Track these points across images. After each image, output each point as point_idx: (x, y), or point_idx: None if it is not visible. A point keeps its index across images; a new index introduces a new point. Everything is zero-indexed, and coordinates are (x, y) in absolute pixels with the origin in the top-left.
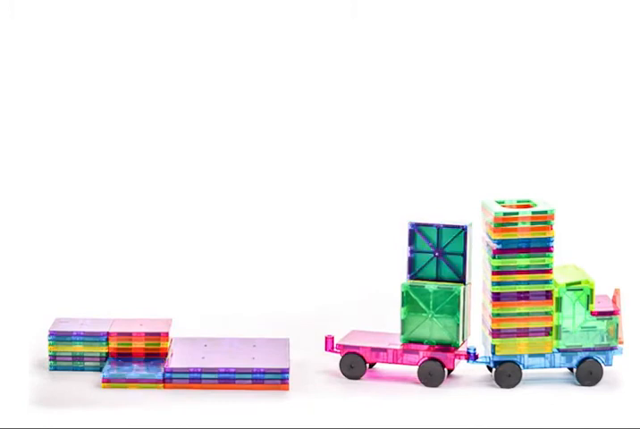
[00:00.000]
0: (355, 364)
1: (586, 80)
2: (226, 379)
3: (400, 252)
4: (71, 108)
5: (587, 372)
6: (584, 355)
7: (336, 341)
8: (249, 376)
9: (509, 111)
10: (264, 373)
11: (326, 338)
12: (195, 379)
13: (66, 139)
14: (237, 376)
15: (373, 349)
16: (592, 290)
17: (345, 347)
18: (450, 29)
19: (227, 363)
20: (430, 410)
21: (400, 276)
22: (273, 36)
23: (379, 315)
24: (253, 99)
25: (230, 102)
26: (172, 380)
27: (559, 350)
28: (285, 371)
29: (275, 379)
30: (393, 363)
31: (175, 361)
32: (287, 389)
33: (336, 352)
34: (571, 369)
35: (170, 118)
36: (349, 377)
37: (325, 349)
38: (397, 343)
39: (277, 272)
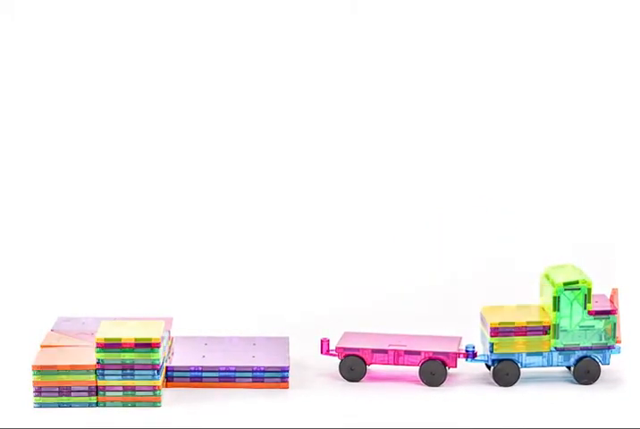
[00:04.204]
0: (355, 366)
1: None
2: (226, 377)
3: (400, 252)
4: (70, 108)
5: (584, 370)
6: (581, 354)
7: (331, 344)
8: (249, 375)
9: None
10: (264, 371)
11: (322, 341)
12: (195, 377)
13: (67, 139)
14: (237, 375)
15: (373, 351)
16: (589, 290)
17: (345, 349)
18: (449, 28)
19: (227, 361)
20: (429, 409)
21: (400, 275)
22: (271, 32)
23: (378, 315)
24: (252, 96)
25: (227, 99)
26: (172, 378)
27: (556, 349)
28: (285, 369)
29: (275, 377)
30: (394, 364)
31: (176, 360)
32: (287, 387)
33: (333, 355)
34: (569, 368)
35: (168, 117)
36: (350, 380)
37: (321, 353)
38: (396, 344)
39: (277, 270)
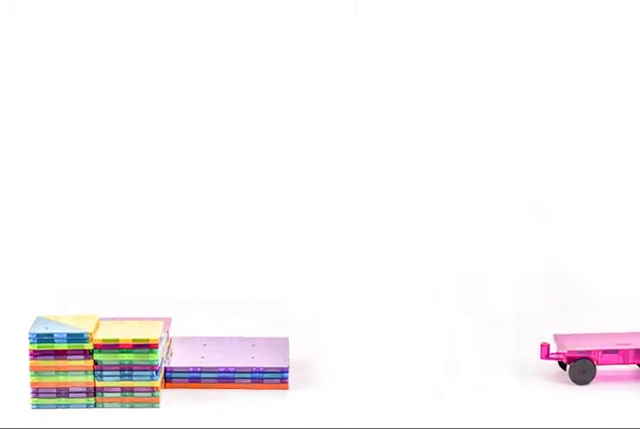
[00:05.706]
0: (586, 369)
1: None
2: (225, 378)
3: (402, 251)
4: (68, 104)
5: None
6: None
7: (551, 348)
8: (249, 375)
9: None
10: (263, 372)
11: (542, 345)
12: (194, 378)
13: (61, 137)
14: (236, 376)
15: (605, 352)
16: None
17: (576, 353)
18: (452, 29)
19: (226, 362)
20: (429, 409)
21: (400, 275)
22: (273, 35)
23: (378, 315)
24: (253, 98)
25: (229, 100)
26: (171, 379)
27: None
28: (284, 370)
29: (275, 378)
30: (624, 364)
31: (175, 360)
32: (286, 388)
33: (556, 359)
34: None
35: (167, 115)
36: (580, 383)
37: (541, 357)
38: (622, 343)
39: (277, 270)
